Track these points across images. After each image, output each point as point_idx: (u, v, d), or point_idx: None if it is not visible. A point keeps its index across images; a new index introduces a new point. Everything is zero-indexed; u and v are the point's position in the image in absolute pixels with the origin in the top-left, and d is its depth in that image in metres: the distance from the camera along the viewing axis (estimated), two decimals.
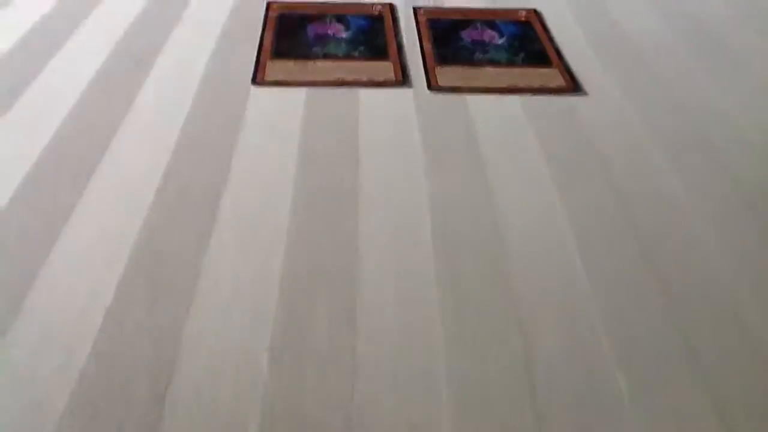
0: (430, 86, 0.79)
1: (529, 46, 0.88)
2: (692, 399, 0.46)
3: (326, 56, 0.84)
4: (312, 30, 0.90)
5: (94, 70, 0.80)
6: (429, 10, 0.96)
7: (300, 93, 0.77)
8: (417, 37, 0.90)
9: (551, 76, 0.82)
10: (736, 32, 0.93)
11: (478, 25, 0.93)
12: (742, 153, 0.70)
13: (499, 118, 0.74)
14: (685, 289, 0.54)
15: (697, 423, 0.44)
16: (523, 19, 0.95)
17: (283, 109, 0.74)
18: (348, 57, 0.85)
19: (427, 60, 0.85)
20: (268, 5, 0.96)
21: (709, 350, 0.49)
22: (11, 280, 0.53)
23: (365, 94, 0.77)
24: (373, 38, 0.89)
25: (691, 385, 0.47)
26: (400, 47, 0.87)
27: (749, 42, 0.91)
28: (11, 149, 0.67)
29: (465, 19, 0.94)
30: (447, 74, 0.82)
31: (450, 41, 0.89)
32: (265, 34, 0.89)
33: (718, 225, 0.60)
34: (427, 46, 0.88)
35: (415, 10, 0.96)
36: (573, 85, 0.80)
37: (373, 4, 0.97)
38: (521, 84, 0.80)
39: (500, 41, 0.89)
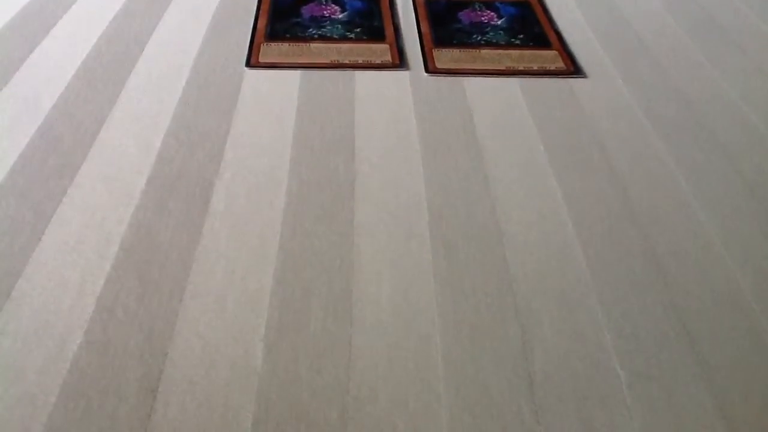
0: (427, 69, 0.78)
1: (528, 27, 0.87)
2: (691, 389, 0.45)
3: (322, 38, 0.83)
4: (307, 11, 0.89)
5: (84, 54, 0.78)
6: None
7: (295, 76, 0.76)
8: (414, 19, 0.88)
9: (551, 58, 0.80)
10: (736, 16, 0.92)
11: (477, 6, 0.91)
12: (742, 137, 0.69)
13: (497, 101, 0.73)
14: (685, 277, 0.53)
15: (696, 413, 0.44)
16: None
17: (277, 93, 0.73)
18: (344, 39, 0.83)
19: (425, 42, 0.83)
20: None
21: (708, 340, 0.49)
22: (0, 269, 0.52)
23: (361, 76, 0.76)
24: (370, 20, 0.87)
25: (691, 374, 0.46)
26: (397, 29, 0.86)
27: (749, 25, 0.90)
28: (0, 135, 0.66)
29: (463, 0, 0.93)
30: (445, 56, 0.80)
31: (448, 23, 0.87)
32: (260, 15, 0.88)
33: (718, 210, 0.60)
34: (425, 27, 0.86)
35: None
36: (573, 68, 0.79)
37: None
38: (520, 66, 0.79)
39: (499, 22, 0.88)
